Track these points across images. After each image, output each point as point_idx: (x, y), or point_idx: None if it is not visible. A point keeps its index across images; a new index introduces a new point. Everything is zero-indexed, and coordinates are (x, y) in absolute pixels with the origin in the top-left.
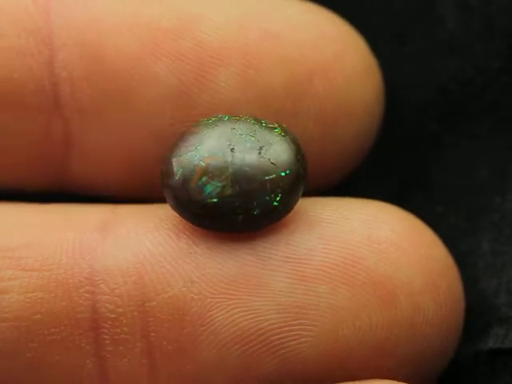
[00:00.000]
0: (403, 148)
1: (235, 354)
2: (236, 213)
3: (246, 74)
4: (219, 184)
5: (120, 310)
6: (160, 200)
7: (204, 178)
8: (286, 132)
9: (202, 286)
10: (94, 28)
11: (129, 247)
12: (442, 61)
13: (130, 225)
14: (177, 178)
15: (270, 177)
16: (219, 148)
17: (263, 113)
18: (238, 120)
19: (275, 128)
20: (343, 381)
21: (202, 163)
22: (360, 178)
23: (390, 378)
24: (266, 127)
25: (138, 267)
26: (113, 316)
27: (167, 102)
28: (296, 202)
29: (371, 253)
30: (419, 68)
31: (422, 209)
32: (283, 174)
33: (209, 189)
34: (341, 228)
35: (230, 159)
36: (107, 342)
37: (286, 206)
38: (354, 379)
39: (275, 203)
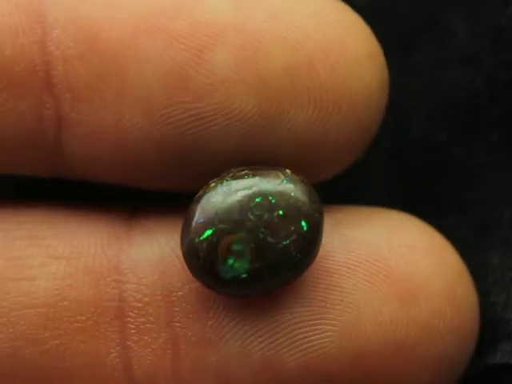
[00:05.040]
0: (411, 159)
1: (259, 347)
2: (267, 280)
3: (243, 55)
4: (246, 261)
5: (146, 299)
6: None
7: (230, 260)
8: (293, 179)
9: None
10: (87, 5)
11: (156, 238)
12: (451, 72)
13: (157, 217)
14: (202, 261)
15: (292, 238)
16: (236, 222)
17: (261, 94)
18: (242, 180)
19: (282, 179)
20: (362, 381)
21: (223, 243)
22: (368, 189)
23: (409, 381)
24: (273, 182)
25: (164, 258)
26: (139, 305)
27: (161, 82)
28: (320, 246)
29: (392, 254)
30: (428, 78)
31: (430, 220)
32: (304, 228)
33: (237, 267)
34: (363, 230)
35: (249, 232)
36: (132, 331)
37: (313, 256)
38: (373, 379)
39: (302, 259)
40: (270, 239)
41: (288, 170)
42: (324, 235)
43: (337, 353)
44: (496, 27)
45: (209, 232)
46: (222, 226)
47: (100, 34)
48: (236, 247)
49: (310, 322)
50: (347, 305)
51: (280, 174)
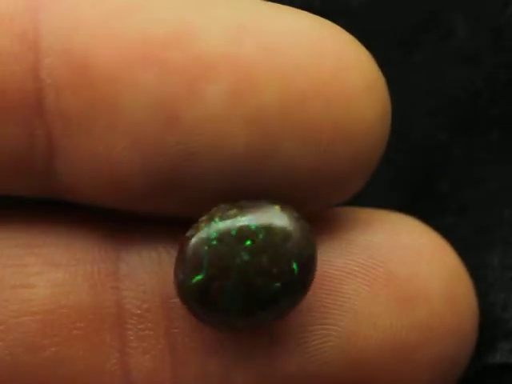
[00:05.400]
0: (411, 158)
1: (258, 353)
2: (258, 317)
3: (236, 90)
4: (237, 304)
5: (145, 305)
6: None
7: (221, 304)
8: (282, 216)
9: None
10: (81, 34)
11: (154, 243)
12: (451, 71)
13: (155, 223)
14: (193, 303)
15: (283, 281)
16: (225, 268)
17: (253, 131)
18: (230, 220)
19: (272, 217)
20: None
21: (213, 288)
22: (367, 188)
23: (408, 383)
24: (263, 220)
25: (163, 264)
26: (138, 312)
27: (154, 114)
28: (312, 280)
29: (392, 257)
30: (428, 77)
31: (430, 220)
32: (295, 270)
33: (228, 310)
34: (362, 233)
35: (239, 277)
36: (131, 337)
37: (305, 292)
38: (373, 383)
39: (295, 297)
40: (260, 283)
41: (277, 207)
42: (323, 239)
43: (337, 357)
44: (496, 27)
45: (199, 277)
46: (211, 270)
47: (93, 63)
48: (227, 292)
49: (310, 327)
50: (347, 310)
51: (270, 210)
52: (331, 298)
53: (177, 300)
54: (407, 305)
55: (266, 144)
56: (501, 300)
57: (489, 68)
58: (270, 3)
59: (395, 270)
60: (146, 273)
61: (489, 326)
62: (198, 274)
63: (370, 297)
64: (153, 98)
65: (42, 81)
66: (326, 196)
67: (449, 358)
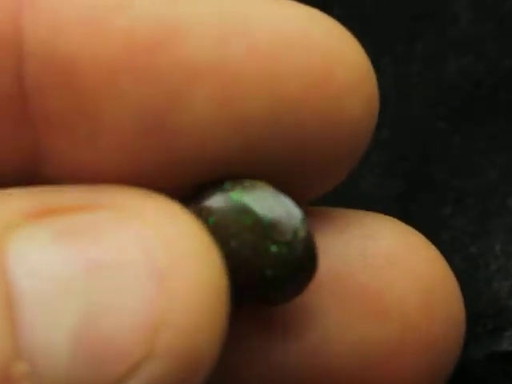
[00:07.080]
0: (411, 147)
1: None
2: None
3: (223, 96)
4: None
5: None
6: None
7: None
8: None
9: None
10: (64, 39)
11: None
12: (453, 59)
13: None
14: None
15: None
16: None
17: (241, 137)
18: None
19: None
20: None
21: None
22: (366, 178)
23: None
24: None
25: None
26: None
27: (137, 120)
28: (311, 260)
29: (364, 268)
30: (430, 65)
31: (430, 210)
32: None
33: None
34: (335, 241)
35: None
36: None
37: (298, 273)
38: None
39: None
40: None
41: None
42: None
43: (303, 371)
44: (499, 15)
45: None
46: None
47: (76, 68)
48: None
49: (270, 341)
50: (313, 323)
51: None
52: (297, 310)
53: None
54: (379, 318)
55: (255, 150)
56: (505, 287)
57: (491, 56)
58: None
59: (367, 282)
60: None
61: (493, 315)
62: None
63: (339, 310)
64: (136, 104)
65: (25, 85)
66: (309, 187)
67: (426, 369)
